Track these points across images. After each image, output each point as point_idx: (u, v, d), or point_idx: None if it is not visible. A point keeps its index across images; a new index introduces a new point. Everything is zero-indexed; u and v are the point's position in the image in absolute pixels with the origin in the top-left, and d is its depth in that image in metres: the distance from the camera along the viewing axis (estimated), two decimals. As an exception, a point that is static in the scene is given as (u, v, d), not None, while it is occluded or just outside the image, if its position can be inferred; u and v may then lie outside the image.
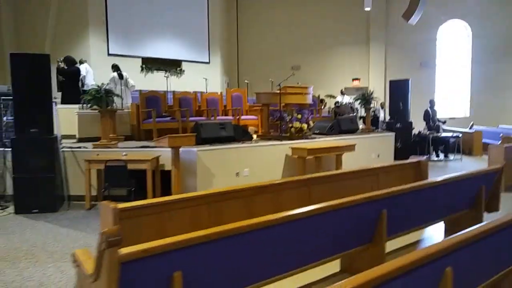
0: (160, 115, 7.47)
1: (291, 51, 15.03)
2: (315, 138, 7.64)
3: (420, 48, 14.58)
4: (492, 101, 14.45)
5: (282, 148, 6.94)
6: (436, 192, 3.59)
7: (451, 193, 3.76)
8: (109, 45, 10.74)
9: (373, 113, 11.00)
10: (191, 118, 7.69)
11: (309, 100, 7.74)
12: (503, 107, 14.48)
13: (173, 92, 7.86)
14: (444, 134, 11.09)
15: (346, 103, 11.48)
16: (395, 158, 9.80)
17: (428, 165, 4.61)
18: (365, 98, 9.67)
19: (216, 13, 13.06)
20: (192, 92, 8.26)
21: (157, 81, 11.34)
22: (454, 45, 14.95)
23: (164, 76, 9.14)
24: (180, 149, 5.69)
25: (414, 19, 12.23)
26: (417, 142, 10.69)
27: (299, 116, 7.40)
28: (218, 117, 8.26)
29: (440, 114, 14.95)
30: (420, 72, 14.66)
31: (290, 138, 7.28)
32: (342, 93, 13.21)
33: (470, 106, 14.80)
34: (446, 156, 10.62)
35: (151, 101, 7.50)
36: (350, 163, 7.33)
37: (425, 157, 5.24)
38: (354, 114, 10.57)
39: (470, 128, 12.84)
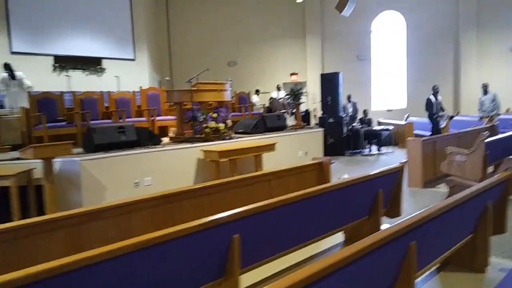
0: (56, 120, 6.56)
1: (227, 46, 14.40)
2: (233, 138, 7.05)
3: (356, 41, 14.45)
4: (426, 92, 14.55)
5: (194, 151, 6.29)
6: (329, 199, 3.09)
7: (347, 199, 3.28)
8: (12, 42, 9.53)
9: (306, 109, 10.60)
10: (93, 122, 6.84)
11: (226, 97, 7.14)
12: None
13: (73, 92, 6.96)
14: (377, 127, 10.94)
15: (278, 99, 11.01)
16: (327, 154, 9.48)
17: (330, 166, 4.13)
18: (294, 93, 9.24)
19: (140, 5, 12.11)
20: (98, 92, 7.39)
21: (73, 81, 10.31)
22: (389, 37, 14.96)
23: (65, 75, 8.16)
24: (60, 160, 4.89)
25: (347, 11, 11.94)
26: (350, 136, 10.43)
27: (215, 115, 6.77)
28: (128, 119, 7.46)
29: (378, 107, 15.00)
30: (357, 65, 14.55)
31: (206, 139, 6.64)
32: (278, 88, 12.74)
33: (407, 97, 14.88)
34: (379, 149, 10.43)
35: (44, 103, 6.56)
36: (274, 163, 6.83)
37: (331, 155, 4.78)
38: (286, 110, 10.11)
39: (406, 120, 12.83)
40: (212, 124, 6.70)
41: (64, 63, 10.47)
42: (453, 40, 14.48)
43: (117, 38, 11.57)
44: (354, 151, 10.29)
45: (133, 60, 11.99)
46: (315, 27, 14.20)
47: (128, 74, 11.17)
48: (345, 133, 10.69)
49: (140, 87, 8.05)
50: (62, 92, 6.91)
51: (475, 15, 14.04)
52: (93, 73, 11.04)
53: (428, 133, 10.37)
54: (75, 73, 10.69)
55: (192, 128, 6.82)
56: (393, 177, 3.52)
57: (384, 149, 10.44)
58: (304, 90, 9.33)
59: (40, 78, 9.41)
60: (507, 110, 13.74)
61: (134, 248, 1.95)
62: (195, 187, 3.06)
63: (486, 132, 4.97)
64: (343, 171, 7.76)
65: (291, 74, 14.29)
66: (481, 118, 9.71)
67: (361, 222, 3.43)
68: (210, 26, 14.28)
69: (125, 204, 2.66)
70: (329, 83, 10.14)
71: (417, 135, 10.82)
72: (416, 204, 5.09)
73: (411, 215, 2.18)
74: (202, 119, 6.68)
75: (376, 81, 15.02)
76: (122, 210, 2.64)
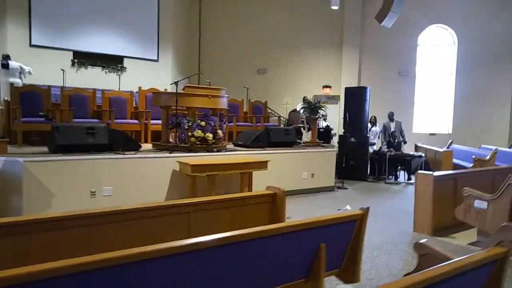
0: (37, 115, 6.19)
1: (257, 53, 13.67)
2: (222, 150, 6.27)
3: (399, 55, 13.09)
4: (477, 116, 12.89)
5: (171, 162, 5.59)
6: (255, 249, 2.24)
7: (280, 252, 2.38)
8: (32, 35, 9.51)
9: (326, 125, 9.57)
10: (78, 120, 6.41)
11: (221, 104, 6.39)
12: (489, 124, 12.89)
13: (62, 87, 6.58)
14: (410, 152, 9.62)
15: (296, 111, 10.06)
16: (344, 178, 8.38)
17: (285, 200, 3.21)
18: (310, 107, 8.30)
19: (169, 5, 11.78)
20: (91, 89, 6.98)
21: (92, 78, 10.15)
22: (437, 53, 13.42)
23: (61, 69, 7.80)
24: (2, 159, 4.41)
25: (388, 22, 10.82)
26: (375, 159, 9.22)
27: (203, 123, 6.05)
28: (119, 120, 6.97)
29: (420, 129, 13.47)
30: (398, 82, 13.18)
31: (190, 149, 5.94)
32: (305, 100, 11.77)
33: (453, 122, 13.22)
34: (409, 178, 9.11)
35: (28, 97, 6.22)
36: (270, 183, 5.93)
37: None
38: (303, 124, 9.15)
39: (448, 146, 11.28)
40: (198, 133, 5.98)
41: (83, 59, 10.33)
42: (513, 60, 12.68)
43: (141, 37, 11.30)
44: (378, 177, 9.07)
45: (156, 61, 11.66)
46: (353, 38, 13.06)
47: (149, 75, 10.86)
48: (371, 156, 9.51)
49: (139, 87, 7.56)
50: (49, 86, 6.55)
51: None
52: (113, 71, 10.82)
53: (470, 165, 8.90)
54: (94, 70, 10.55)
55: (177, 135, 6.17)
56: (348, 227, 2.55)
57: (413, 179, 9.09)
58: (324, 104, 8.34)
59: (57, 73, 9.26)
60: None
61: None
62: (53, 216, 2.31)
63: (517, 174, 3.76)
64: (351, 200, 6.68)
65: (324, 87, 13.24)
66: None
67: (298, 285, 2.49)
68: (242, 31, 13.65)
69: None
70: (353, 98, 9.06)
71: (456, 166, 9.38)
72: (408, 258, 3.96)
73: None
74: (187, 127, 6.00)
75: (420, 101, 13.51)
76: None
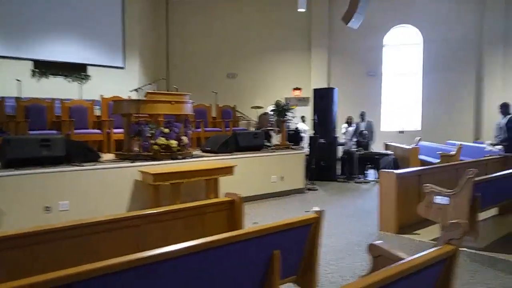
0: (-11, 128, 5.89)
1: (227, 57, 13.60)
2: (188, 157, 6.12)
3: (366, 56, 13.28)
4: (443, 113, 13.19)
5: (133, 172, 5.41)
6: (205, 261, 2.11)
7: (233, 262, 2.27)
8: (-14, 45, 9.14)
9: (295, 127, 9.56)
10: (35, 132, 6.12)
11: (186, 110, 6.25)
12: (455, 120, 13.21)
13: (17, 98, 6.29)
14: (378, 151, 9.73)
15: (268, 114, 10.00)
16: (316, 179, 8.40)
17: (243, 206, 3.10)
18: (279, 109, 8.26)
19: (134, 11, 11.54)
20: (50, 99, 6.70)
21: (55, 88, 9.79)
22: (403, 52, 13.69)
23: (16, 80, 7.48)
24: None
25: (355, 23, 10.93)
26: (345, 159, 9.26)
27: (166, 130, 5.89)
28: (80, 131, 6.71)
29: (389, 127, 13.68)
30: (367, 82, 13.35)
31: (154, 158, 5.76)
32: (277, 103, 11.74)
33: (421, 118, 13.48)
34: (378, 176, 9.17)
35: (-21, 110, 5.92)
36: (239, 189, 5.81)
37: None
38: (273, 127, 9.09)
39: (417, 144, 11.48)
40: (162, 140, 5.81)
41: (44, 68, 9.96)
42: (476, 58, 13.04)
43: (105, 44, 11.01)
44: (349, 177, 9.10)
45: (122, 68, 11.39)
46: (321, 40, 13.17)
47: (115, 83, 10.55)
48: (341, 156, 9.57)
49: (101, 95, 7.32)
50: (3, 97, 6.24)
51: (502, 32, 12.59)
52: (76, 80, 10.47)
53: (436, 161, 9.07)
54: (56, 80, 10.19)
55: (140, 144, 5.98)
56: (303, 232, 2.47)
57: (383, 177, 9.17)
58: (292, 105, 8.32)
59: (16, 83, 8.89)
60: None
61: None
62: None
63: (474, 168, 3.80)
64: (320, 201, 6.66)
65: (294, 89, 13.28)
66: (493, 145, 8.32)
67: (253, 296, 2.39)
68: (211, 36, 13.56)
69: None
70: (322, 99, 9.09)
71: (424, 162, 9.53)
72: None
73: None
74: (149, 134, 5.82)
75: (388, 99, 13.72)
76: None
